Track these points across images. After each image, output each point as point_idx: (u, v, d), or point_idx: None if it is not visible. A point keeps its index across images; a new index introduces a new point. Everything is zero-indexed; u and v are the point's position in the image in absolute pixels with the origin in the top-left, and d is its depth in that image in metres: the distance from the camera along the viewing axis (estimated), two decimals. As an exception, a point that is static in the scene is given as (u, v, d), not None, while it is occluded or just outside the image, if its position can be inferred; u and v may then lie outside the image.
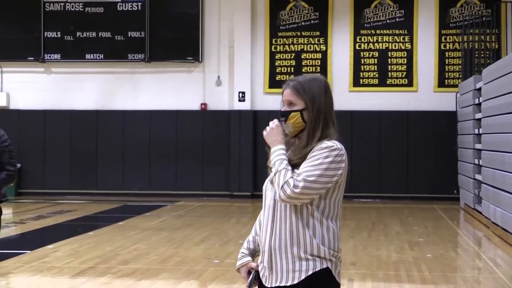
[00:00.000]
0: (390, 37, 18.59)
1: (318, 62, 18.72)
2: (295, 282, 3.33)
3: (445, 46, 18.50)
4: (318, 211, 3.34)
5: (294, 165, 3.35)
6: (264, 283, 3.44)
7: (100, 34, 19.17)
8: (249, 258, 3.60)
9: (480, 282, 8.69)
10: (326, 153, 3.31)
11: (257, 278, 3.51)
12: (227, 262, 9.42)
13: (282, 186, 3.27)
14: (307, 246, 3.33)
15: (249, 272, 3.56)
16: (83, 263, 9.33)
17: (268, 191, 3.46)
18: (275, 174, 3.32)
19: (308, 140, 3.39)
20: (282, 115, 3.45)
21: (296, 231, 3.34)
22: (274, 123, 3.45)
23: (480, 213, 13.97)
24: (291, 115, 3.42)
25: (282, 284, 3.35)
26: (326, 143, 3.34)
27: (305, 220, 3.34)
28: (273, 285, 3.39)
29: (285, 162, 3.33)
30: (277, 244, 3.37)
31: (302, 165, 3.32)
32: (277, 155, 3.36)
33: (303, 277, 3.33)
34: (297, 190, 3.25)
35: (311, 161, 3.31)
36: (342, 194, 3.43)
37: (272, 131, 3.43)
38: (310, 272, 3.33)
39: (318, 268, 3.33)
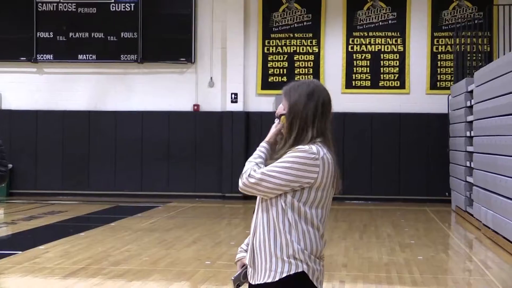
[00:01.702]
0: (383, 39, 18.63)
1: (310, 64, 18.73)
2: (276, 279, 3.37)
3: (437, 48, 18.55)
4: (293, 211, 3.36)
5: None
6: (249, 281, 3.52)
7: (92, 34, 19.15)
8: (244, 254, 3.66)
9: (471, 284, 8.72)
10: (294, 154, 3.36)
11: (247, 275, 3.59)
12: (219, 263, 9.42)
13: (241, 175, 3.43)
14: (283, 245, 3.37)
15: (243, 267, 3.63)
16: (74, 264, 9.32)
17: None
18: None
19: (285, 143, 3.47)
20: (276, 117, 3.56)
21: (272, 230, 3.39)
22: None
23: (472, 215, 14.00)
24: (281, 118, 3.52)
25: (263, 282, 3.40)
26: (300, 147, 3.39)
27: (279, 220, 3.37)
28: (255, 283, 3.45)
29: (256, 156, 3.48)
30: (257, 244, 3.43)
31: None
32: (256, 151, 3.53)
33: (277, 278, 3.36)
34: (252, 180, 3.37)
35: (278, 161, 3.40)
36: (326, 198, 3.43)
37: (272, 128, 3.57)
38: (284, 275, 3.35)
39: (292, 271, 3.35)
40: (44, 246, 10.74)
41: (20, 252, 10.22)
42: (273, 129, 3.52)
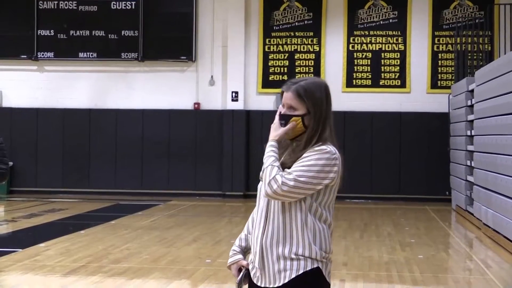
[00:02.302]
0: (384, 38, 18.62)
1: (311, 63, 18.73)
2: (286, 281, 3.34)
3: (438, 47, 18.54)
4: (311, 213, 3.35)
5: (288, 167, 3.35)
6: (256, 283, 3.44)
7: (93, 32, 19.15)
8: (240, 256, 3.60)
9: (471, 283, 8.72)
10: (318, 155, 3.32)
11: (247, 276, 3.52)
12: (219, 262, 9.42)
13: (269, 182, 3.28)
14: (299, 247, 3.34)
15: (239, 270, 3.57)
16: (74, 262, 9.32)
17: (262, 191, 3.45)
18: (263, 170, 3.34)
19: (306, 144, 3.39)
20: (282, 118, 3.42)
21: (289, 232, 3.35)
22: (275, 119, 3.46)
23: (472, 214, 14.00)
24: (292, 119, 3.41)
25: (275, 286, 3.36)
26: (322, 148, 3.35)
27: (297, 221, 3.34)
28: (265, 286, 3.40)
29: (273, 158, 3.34)
30: (269, 244, 3.38)
31: (294, 165, 3.33)
32: (268, 151, 3.38)
33: (293, 276, 3.34)
34: (285, 188, 3.26)
35: (303, 162, 3.31)
36: (334, 196, 3.44)
37: (274, 125, 3.44)
38: (300, 272, 3.34)
39: (308, 268, 3.34)
40: (45, 244, 10.74)
41: (21, 249, 10.22)
42: (282, 129, 3.39)
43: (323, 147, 3.36)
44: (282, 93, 3.52)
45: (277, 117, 3.45)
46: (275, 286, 3.37)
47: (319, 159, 3.31)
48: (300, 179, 3.27)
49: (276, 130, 3.42)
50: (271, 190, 3.27)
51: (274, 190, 3.26)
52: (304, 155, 3.34)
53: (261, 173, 3.37)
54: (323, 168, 3.31)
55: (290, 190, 3.26)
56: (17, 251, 10.12)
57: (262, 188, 3.36)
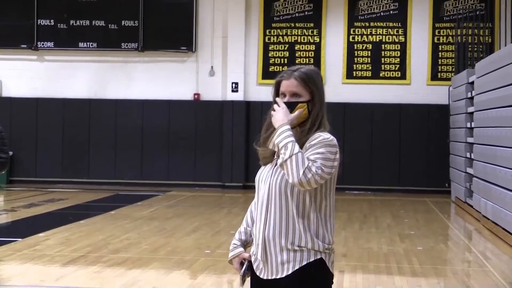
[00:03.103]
0: (384, 29, 18.60)
1: (311, 54, 18.71)
2: (289, 272, 3.33)
3: (438, 39, 18.52)
4: (315, 203, 3.34)
5: None
6: (259, 275, 3.43)
7: (93, 22, 19.12)
8: (241, 249, 3.58)
9: (470, 275, 8.73)
10: (329, 147, 3.30)
11: (249, 269, 3.50)
12: (218, 252, 9.43)
13: (303, 172, 3.19)
14: (302, 239, 3.32)
15: (241, 263, 3.55)
16: (74, 252, 9.33)
17: (262, 183, 3.43)
18: (290, 156, 3.21)
19: (310, 130, 3.37)
20: (289, 106, 3.37)
21: (291, 224, 3.33)
22: (280, 105, 3.38)
23: (471, 206, 14.01)
24: (298, 106, 3.38)
25: (278, 277, 3.35)
26: (323, 135, 3.33)
27: (300, 213, 3.33)
28: (268, 277, 3.39)
29: (296, 145, 3.24)
30: (271, 237, 3.36)
31: (308, 154, 3.28)
32: (286, 136, 3.26)
33: (297, 267, 3.33)
34: (317, 178, 3.21)
35: (317, 150, 3.28)
36: (334, 185, 3.43)
37: (279, 111, 3.35)
38: (304, 263, 3.33)
39: (312, 259, 3.33)
40: (44, 234, 10.75)
41: (20, 239, 10.23)
42: (283, 110, 3.33)
43: (325, 135, 3.34)
44: (277, 83, 3.49)
45: (281, 103, 3.37)
46: (278, 277, 3.36)
47: (332, 146, 3.30)
48: (325, 169, 3.25)
49: (286, 115, 3.33)
50: (305, 179, 3.19)
51: (308, 179, 3.19)
52: (312, 143, 3.31)
53: (280, 159, 3.27)
54: (334, 156, 3.31)
55: (318, 180, 3.23)
56: (16, 240, 10.12)
57: (290, 176, 3.22)
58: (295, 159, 3.21)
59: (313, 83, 3.40)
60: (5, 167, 6.13)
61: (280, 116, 3.33)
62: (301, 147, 3.29)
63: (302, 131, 3.39)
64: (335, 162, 3.32)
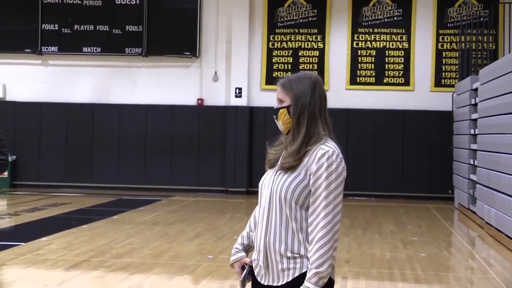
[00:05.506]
0: (388, 36, 18.60)
1: (315, 60, 18.72)
2: (290, 279, 3.32)
3: (442, 46, 18.52)
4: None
5: (288, 168, 3.29)
6: (260, 281, 3.42)
7: (97, 27, 19.15)
8: (243, 254, 3.56)
9: (473, 282, 8.71)
10: (335, 173, 3.23)
11: (250, 274, 3.49)
12: (221, 258, 9.42)
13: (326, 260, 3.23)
14: (301, 246, 3.30)
15: (242, 268, 3.54)
16: (77, 256, 9.33)
17: (264, 189, 3.40)
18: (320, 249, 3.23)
19: (294, 135, 3.33)
20: (274, 113, 3.43)
21: (291, 231, 3.31)
22: None
23: (474, 213, 13.99)
24: (280, 112, 3.40)
25: (279, 284, 3.34)
26: (326, 154, 3.24)
27: (300, 220, 3.30)
28: (269, 284, 3.37)
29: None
30: (272, 243, 3.34)
31: (316, 201, 3.24)
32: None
33: (297, 274, 3.31)
34: (336, 244, 3.28)
35: (328, 194, 3.23)
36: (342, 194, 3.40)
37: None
38: (304, 270, 3.31)
39: None
40: (47, 238, 10.75)
41: (23, 243, 10.23)
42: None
43: (326, 147, 3.26)
44: None
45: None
46: (279, 284, 3.35)
47: (334, 172, 3.23)
48: (337, 215, 3.23)
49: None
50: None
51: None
52: (316, 170, 3.23)
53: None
54: (342, 173, 3.25)
55: (336, 229, 3.25)
56: (19, 245, 10.13)
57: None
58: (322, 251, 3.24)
59: (292, 87, 3.37)
60: (4, 169, 6.08)
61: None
62: (293, 155, 3.28)
63: (288, 137, 3.38)
64: (342, 182, 3.27)
